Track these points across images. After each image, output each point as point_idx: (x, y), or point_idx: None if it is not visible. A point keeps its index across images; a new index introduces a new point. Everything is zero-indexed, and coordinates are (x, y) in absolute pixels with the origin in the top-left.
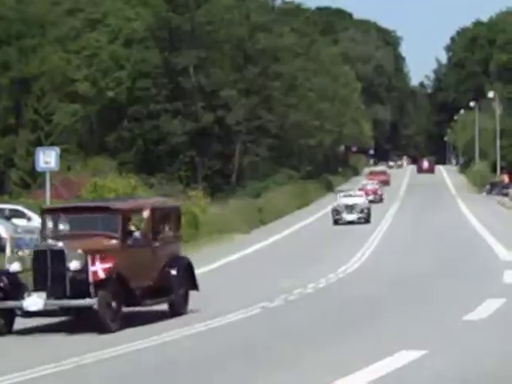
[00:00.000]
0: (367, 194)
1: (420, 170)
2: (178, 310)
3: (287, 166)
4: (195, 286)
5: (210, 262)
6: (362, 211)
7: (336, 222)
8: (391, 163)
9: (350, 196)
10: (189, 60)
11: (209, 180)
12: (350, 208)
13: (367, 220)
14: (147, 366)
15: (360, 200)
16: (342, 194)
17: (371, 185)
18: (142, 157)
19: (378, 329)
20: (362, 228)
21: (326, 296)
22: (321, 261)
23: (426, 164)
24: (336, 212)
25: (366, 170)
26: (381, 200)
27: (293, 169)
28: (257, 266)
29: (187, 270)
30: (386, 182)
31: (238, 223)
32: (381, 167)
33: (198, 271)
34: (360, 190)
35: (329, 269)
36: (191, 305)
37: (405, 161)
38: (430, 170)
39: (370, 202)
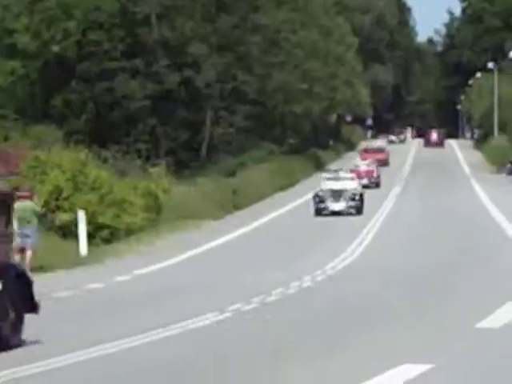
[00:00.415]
0: (360, 177)
1: (428, 143)
2: (5, 341)
3: (268, 138)
4: (33, 307)
5: (169, 256)
6: (352, 199)
7: (318, 212)
8: (393, 137)
9: (337, 179)
10: (151, 8)
11: (173, 154)
12: (336, 194)
13: (359, 210)
14: None
15: (350, 184)
16: (326, 176)
17: (365, 165)
18: (94, 125)
19: (376, 338)
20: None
21: (312, 297)
22: (306, 255)
23: (434, 136)
24: (318, 199)
25: (362, 144)
26: (377, 185)
27: (274, 142)
28: (227, 261)
29: (19, 283)
30: (384, 162)
31: (208, 207)
32: (379, 142)
33: (152, 267)
34: (351, 171)
35: (315, 265)
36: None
37: (408, 133)
38: (440, 144)
39: (364, 187)
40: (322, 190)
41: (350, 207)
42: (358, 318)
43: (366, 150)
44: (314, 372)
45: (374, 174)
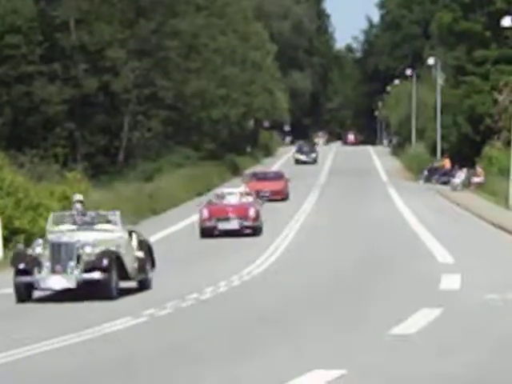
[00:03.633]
0: (223, 217)
1: (345, 143)
2: None
3: (185, 143)
4: None
5: None
6: None
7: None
8: (300, 156)
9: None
10: (69, 12)
11: (91, 159)
12: None
13: None
14: None
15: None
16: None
17: (236, 195)
18: (11, 129)
19: (289, 343)
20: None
21: (225, 303)
22: (223, 260)
23: (351, 137)
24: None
25: (280, 150)
26: (255, 230)
27: (192, 147)
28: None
29: None
30: (280, 194)
31: (125, 212)
32: (272, 170)
33: None
34: (209, 205)
35: (232, 269)
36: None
37: (321, 138)
38: (355, 143)
39: (233, 233)
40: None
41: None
42: (270, 325)
43: (255, 176)
44: (224, 378)
45: (250, 213)
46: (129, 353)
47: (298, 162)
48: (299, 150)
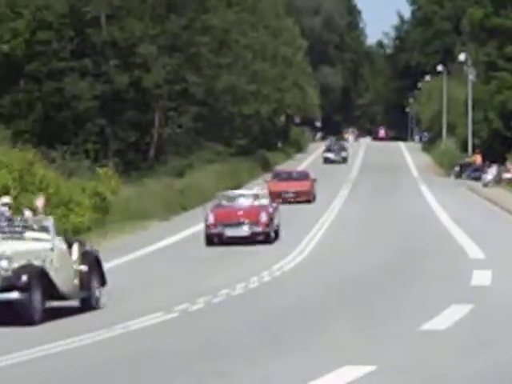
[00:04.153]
0: (233, 222)
1: (376, 138)
2: None
3: (216, 139)
4: None
5: (115, 257)
6: None
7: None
8: (330, 155)
9: None
10: (100, 8)
11: (122, 155)
12: None
13: None
14: None
15: None
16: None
17: (249, 198)
18: (42, 125)
19: (318, 339)
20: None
21: (257, 299)
22: (253, 256)
23: (382, 132)
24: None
25: (311, 146)
26: (267, 236)
27: (223, 143)
28: (172, 262)
29: None
30: (305, 196)
31: (155, 208)
32: (297, 170)
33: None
34: (214, 209)
35: (262, 266)
36: None
37: (351, 135)
38: (386, 138)
39: (243, 240)
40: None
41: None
42: (300, 320)
43: (277, 176)
44: (256, 374)
45: (262, 217)
46: (158, 347)
47: (326, 161)
48: (328, 149)
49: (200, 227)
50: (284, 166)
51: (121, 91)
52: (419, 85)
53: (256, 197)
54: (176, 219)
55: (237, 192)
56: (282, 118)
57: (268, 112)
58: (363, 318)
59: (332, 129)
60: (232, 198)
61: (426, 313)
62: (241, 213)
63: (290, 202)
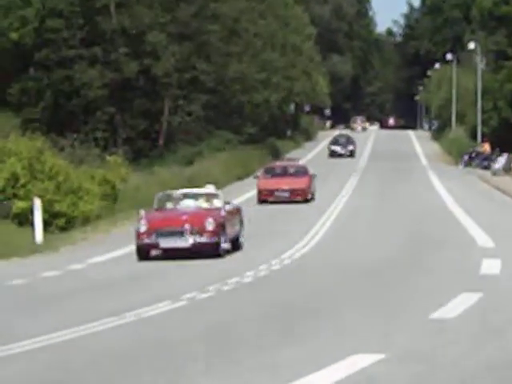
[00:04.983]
0: (173, 228)
1: (386, 126)
2: None
3: (226, 127)
4: None
5: (124, 245)
6: None
7: None
8: (357, 125)
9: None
10: None
11: (131, 143)
12: None
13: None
14: None
15: None
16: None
17: (191, 200)
18: (52, 113)
19: (328, 328)
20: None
21: (266, 286)
22: (263, 245)
23: (391, 121)
24: None
25: (321, 134)
26: (215, 249)
27: (232, 131)
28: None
29: None
30: (301, 194)
31: None
32: (293, 164)
33: (107, 255)
34: (145, 216)
35: (271, 254)
36: None
37: (359, 125)
38: (395, 127)
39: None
40: None
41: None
42: (309, 309)
43: (270, 171)
44: (266, 362)
45: (210, 226)
46: (167, 336)
47: (333, 154)
48: (335, 141)
49: None
50: (293, 154)
51: (130, 79)
52: (428, 73)
53: (208, 197)
54: None
55: (182, 191)
56: (292, 107)
57: (277, 100)
58: (372, 306)
59: (341, 117)
60: (175, 199)
61: (435, 301)
62: (183, 218)
63: (284, 202)
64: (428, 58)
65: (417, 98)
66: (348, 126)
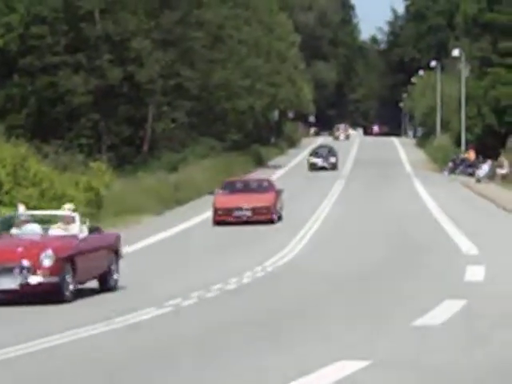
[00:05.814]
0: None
1: (370, 134)
2: None
3: (210, 134)
4: None
5: None
6: None
7: None
8: (339, 133)
9: None
10: (94, 3)
11: (115, 149)
12: None
13: None
14: None
15: None
16: None
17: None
18: (35, 120)
19: (312, 334)
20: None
21: (250, 293)
22: (247, 252)
23: (376, 128)
24: None
25: (305, 141)
26: (61, 293)
27: (216, 138)
28: (165, 257)
29: None
30: (265, 213)
31: (149, 202)
32: (256, 178)
33: None
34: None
35: (256, 261)
36: None
37: (342, 132)
38: (380, 134)
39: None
40: None
41: None
42: (293, 315)
43: (228, 186)
44: (250, 369)
45: (45, 261)
46: (153, 342)
47: (313, 167)
48: (315, 153)
49: (193, 222)
50: (277, 161)
51: (114, 86)
52: (413, 80)
53: (62, 221)
54: (169, 214)
55: (30, 213)
56: (276, 113)
57: (262, 107)
58: (357, 313)
59: (325, 124)
60: (19, 223)
61: (419, 308)
62: (17, 250)
63: (246, 222)
64: (412, 64)
65: (401, 104)
66: (331, 134)
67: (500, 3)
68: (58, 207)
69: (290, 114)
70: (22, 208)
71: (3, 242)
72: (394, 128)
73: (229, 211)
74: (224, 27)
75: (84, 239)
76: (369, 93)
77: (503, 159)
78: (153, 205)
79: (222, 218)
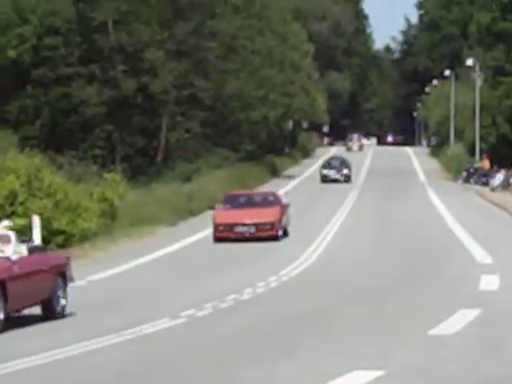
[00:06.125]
0: None
1: (384, 143)
2: None
3: (223, 144)
4: None
5: (123, 263)
6: None
7: None
8: (352, 143)
9: None
10: (108, 14)
11: (129, 160)
12: None
13: None
14: None
15: None
16: None
17: None
18: (49, 131)
19: (327, 344)
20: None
21: (264, 304)
22: (261, 262)
23: (390, 138)
24: None
25: (319, 151)
26: None
27: (230, 148)
28: (179, 268)
29: None
30: (269, 229)
31: (163, 213)
32: (260, 192)
33: (106, 273)
34: None
35: (270, 271)
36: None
37: (355, 143)
38: (394, 144)
39: None
40: None
41: None
42: (308, 325)
43: (230, 201)
44: (264, 380)
45: None
46: (166, 353)
47: (325, 179)
48: (327, 165)
49: (207, 233)
50: (291, 171)
51: (128, 97)
52: (427, 89)
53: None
54: (183, 224)
55: None
56: (290, 124)
57: (275, 117)
58: (372, 323)
59: (340, 134)
60: None
61: (433, 318)
62: None
63: (247, 239)
64: (426, 74)
65: (415, 114)
66: (345, 144)
67: None
68: (73, 218)
69: (304, 124)
70: (36, 219)
71: None
72: (407, 137)
73: (230, 227)
74: (237, 37)
75: (19, 261)
76: (383, 102)
77: None
78: (166, 215)
79: (223, 235)
